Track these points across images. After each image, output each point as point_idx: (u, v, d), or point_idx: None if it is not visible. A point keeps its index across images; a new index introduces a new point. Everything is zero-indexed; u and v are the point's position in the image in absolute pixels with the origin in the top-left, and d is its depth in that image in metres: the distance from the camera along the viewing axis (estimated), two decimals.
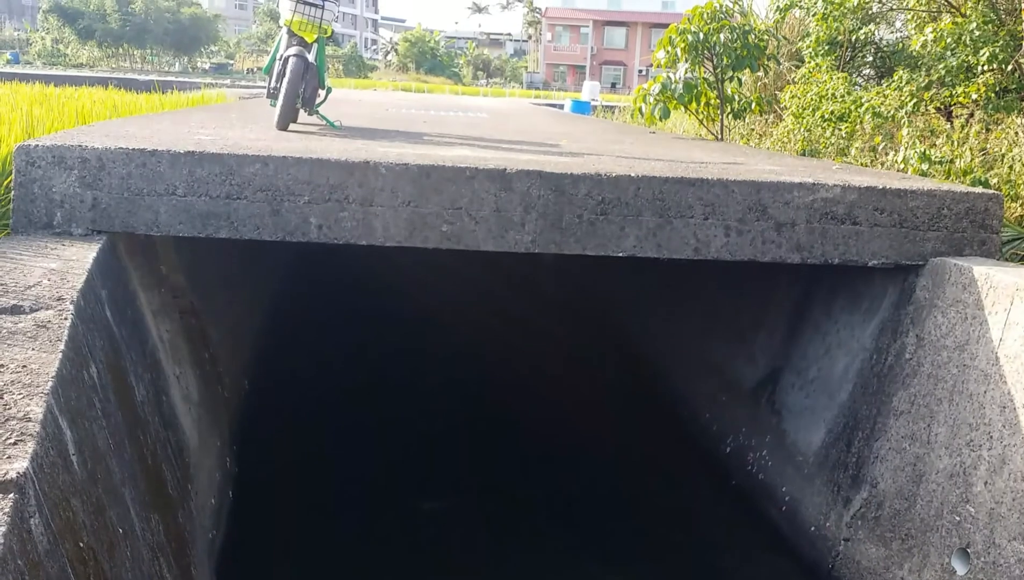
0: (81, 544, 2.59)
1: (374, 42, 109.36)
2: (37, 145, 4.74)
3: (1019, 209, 6.41)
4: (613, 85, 72.28)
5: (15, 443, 2.38)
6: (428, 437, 7.32)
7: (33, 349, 3.02)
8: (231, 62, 67.32)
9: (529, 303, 11.76)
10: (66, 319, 3.34)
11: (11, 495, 2.15)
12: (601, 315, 10.21)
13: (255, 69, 57.16)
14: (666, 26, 10.71)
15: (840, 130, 9.04)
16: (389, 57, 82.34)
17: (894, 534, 5.04)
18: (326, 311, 10.90)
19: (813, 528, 5.60)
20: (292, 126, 7.10)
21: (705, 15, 9.66)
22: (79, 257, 4.23)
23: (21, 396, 2.65)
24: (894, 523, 5.06)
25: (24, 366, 2.87)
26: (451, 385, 8.70)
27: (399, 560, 5.51)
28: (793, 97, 10.20)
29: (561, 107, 24.96)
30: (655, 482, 6.94)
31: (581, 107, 23.05)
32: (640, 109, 10.12)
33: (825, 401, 5.92)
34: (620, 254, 5.31)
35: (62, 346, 3.09)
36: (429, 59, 76.06)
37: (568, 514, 6.28)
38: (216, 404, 6.06)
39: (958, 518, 4.69)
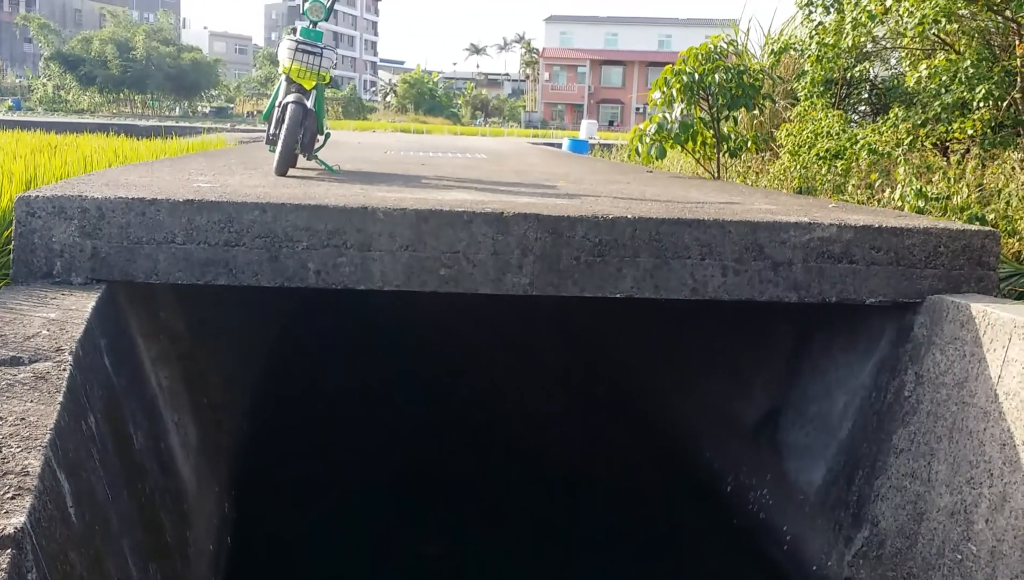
0: None
1: (373, 84, 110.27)
2: (37, 196, 4.78)
3: (1016, 245, 6.43)
4: (611, 123, 72.85)
5: (13, 497, 2.38)
6: (430, 475, 7.30)
7: (32, 401, 3.03)
8: (231, 106, 67.90)
9: (523, 344, 11.78)
10: (64, 370, 3.35)
11: (9, 551, 2.15)
12: (600, 356, 10.21)
13: (255, 112, 57.62)
14: (662, 64, 10.81)
15: (836, 167, 9.09)
16: (388, 98, 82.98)
17: (896, 573, 5.01)
18: (326, 356, 10.90)
19: (815, 567, 5.57)
20: (291, 171, 7.15)
21: (700, 56, 9.75)
22: (78, 306, 4.25)
23: (19, 449, 2.65)
24: (896, 562, 5.04)
25: (23, 418, 2.88)
26: (452, 423, 8.68)
27: None
28: (789, 135, 10.28)
29: (559, 146, 25.09)
30: (656, 520, 6.91)
31: (579, 146, 23.20)
32: (636, 149, 10.19)
33: (825, 439, 5.91)
34: (618, 295, 5.33)
35: (60, 398, 3.09)
36: (428, 100, 76.63)
37: (567, 553, 6.25)
38: (215, 450, 6.05)
39: (960, 556, 4.67)
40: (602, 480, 7.62)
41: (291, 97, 6.97)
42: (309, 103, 7.07)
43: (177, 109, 66.00)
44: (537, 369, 11.05)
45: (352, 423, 8.62)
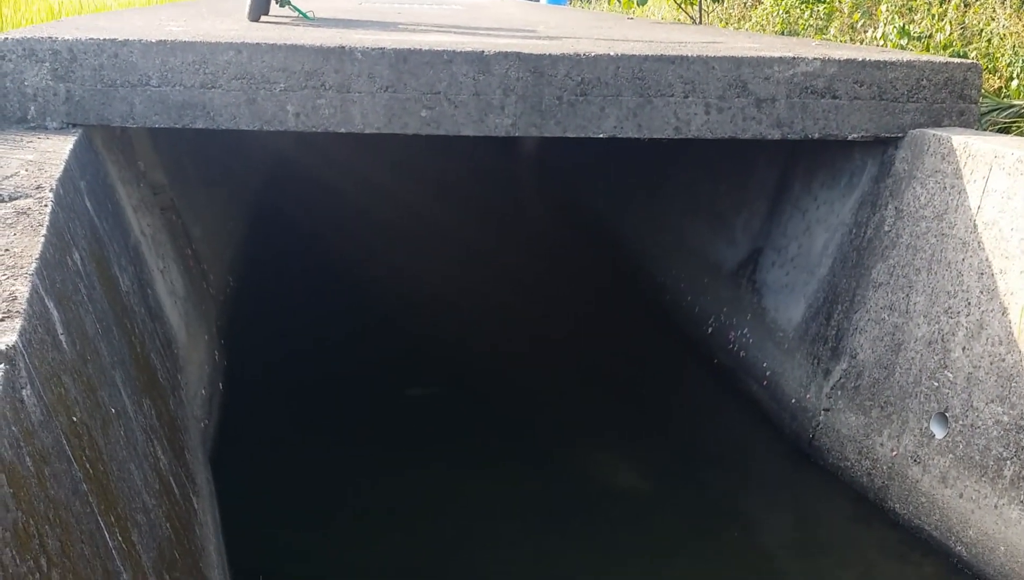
0: (74, 419, 2.61)
1: None
2: (7, 38, 4.68)
3: (997, 82, 6.40)
4: None
5: (2, 319, 2.39)
6: (411, 327, 7.38)
7: (15, 234, 3.03)
8: None
9: (506, 192, 11.76)
10: (46, 206, 3.33)
11: (1, 366, 2.17)
12: (580, 201, 10.22)
13: None
14: None
15: (819, 10, 8.94)
16: None
17: (873, 402, 5.16)
18: (308, 212, 10.84)
19: (794, 400, 5.71)
20: (264, 18, 6.97)
21: None
22: (56, 149, 4.21)
23: (5, 277, 2.66)
24: (873, 391, 5.17)
25: (7, 250, 2.87)
26: (432, 270, 8.73)
27: (385, 443, 5.61)
28: None
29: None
30: (638, 363, 7.05)
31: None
32: None
33: (805, 277, 5.98)
34: (600, 135, 5.30)
35: (44, 231, 3.08)
36: None
37: (550, 397, 6.38)
38: (202, 300, 6.08)
39: (936, 384, 4.80)
40: (582, 324, 7.72)
41: None
42: None
43: None
44: (516, 212, 11.07)
45: (340, 275, 8.65)
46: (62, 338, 2.81)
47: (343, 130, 5.05)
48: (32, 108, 4.72)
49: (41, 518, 2.01)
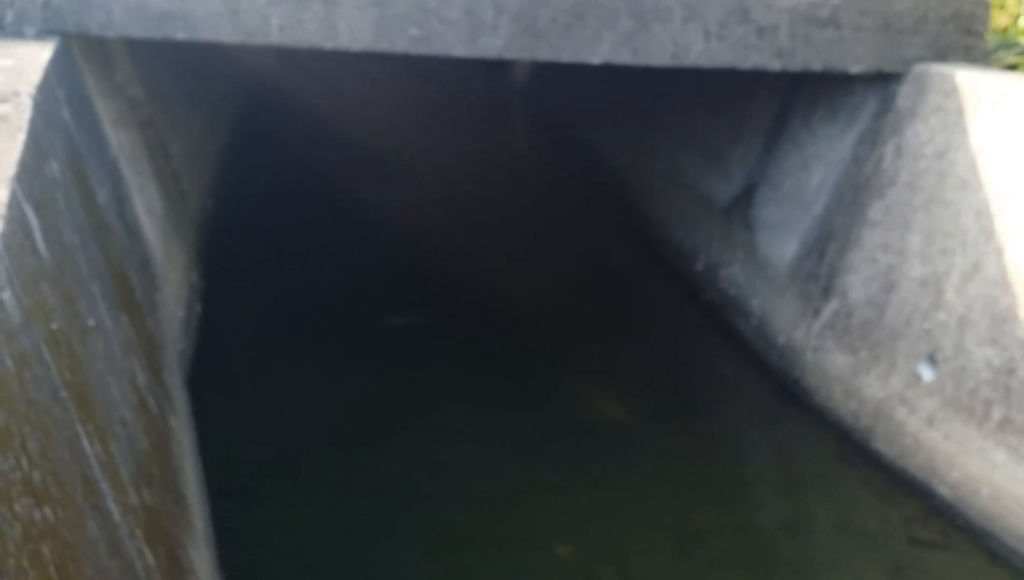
0: (53, 327, 2.57)
1: None
2: None
3: (1005, 19, 6.27)
4: None
5: None
6: (394, 251, 7.28)
7: None
8: None
9: (497, 120, 11.59)
10: (25, 112, 3.23)
11: None
12: (572, 131, 10.07)
13: None
14: None
15: None
16: None
17: (862, 342, 5.09)
18: (290, 132, 10.65)
19: (783, 340, 5.64)
20: None
21: None
22: (33, 56, 4.07)
23: None
24: (863, 332, 5.10)
25: None
26: (414, 203, 8.61)
27: (365, 366, 5.53)
28: None
29: None
30: (626, 300, 6.97)
31: None
32: None
33: (799, 214, 5.88)
34: (595, 61, 5.14)
35: (23, 136, 3.00)
36: None
37: (533, 329, 6.30)
38: (180, 220, 5.94)
39: (928, 325, 4.73)
40: (569, 257, 7.63)
41: None
42: None
43: None
44: (506, 143, 10.92)
45: (322, 198, 8.51)
46: (40, 245, 2.76)
47: (329, 46, 4.88)
48: (9, 14, 4.57)
49: (22, 419, 1.98)
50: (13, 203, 2.58)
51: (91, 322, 3.15)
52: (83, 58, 4.83)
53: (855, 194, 5.40)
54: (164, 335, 4.52)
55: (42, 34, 4.58)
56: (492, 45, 5.00)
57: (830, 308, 5.36)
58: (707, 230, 6.85)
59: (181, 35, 4.69)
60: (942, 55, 5.29)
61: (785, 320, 5.69)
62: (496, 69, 11.49)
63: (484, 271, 7.27)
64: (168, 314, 4.82)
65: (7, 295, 2.25)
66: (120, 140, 5.01)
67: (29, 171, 2.92)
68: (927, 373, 4.70)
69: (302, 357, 5.61)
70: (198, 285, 5.80)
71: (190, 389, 4.74)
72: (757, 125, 6.61)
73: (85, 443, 2.49)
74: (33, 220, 2.78)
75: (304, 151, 10.05)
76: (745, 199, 6.48)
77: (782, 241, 5.95)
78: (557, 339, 6.21)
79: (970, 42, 5.32)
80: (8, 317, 2.22)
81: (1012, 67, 5.46)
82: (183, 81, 7.32)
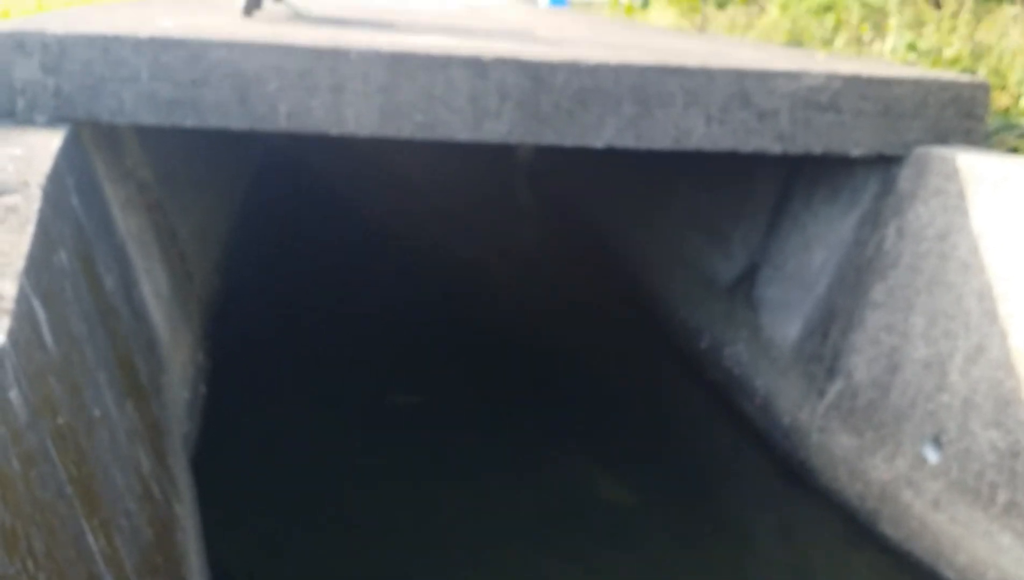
0: (60, 422, 2.59)
1: None
2: None
3: (1006, 99, 6.33)
4: None
5: None
6: (401, 333, 7.28)
7: (3, 231, 2.99)
8: None
9: (502, 195, 11.68)
10: (34, 203, 3.27)
11: None
12: (576, 208, 10.14)
13: None
14: None
15: (826, 21, 8.86)
16: None
17: (867, 424, 5.07)
18: (298, 210, 10.75)
19: (787, 420, 5.63)
20: (258, 15, 6.87)
21: None
22: (44, 144, 4.12)
23: None
24: (868, 413, 5.09)
25: None
26: (422, 282, 8.64)
27: (371, 450, 5.52)
28: None
29: (535, 2, 24.36)
30: (629, 376, 6.96)
31: (557, 1, 22.50)
32: (619, 1, 9.88)
33: (802, 294, 5.90)
34: (598, 145, 5.21)
35: (32, 229, 3.04)
36: None
37: (536, 406, 6.28)
38: (187, 300, 5.97)
39: (932, 407, 4.72)
40: (575, 337, 7.63)
41: None
42: None
43: None
44: (511, 219, 10.99)
45: (330, 276, 8.55)
46: (48, 339, 2.78)
47: (335, 132, 4.95)
48: (20, 102, 4.62)
49: (28, 520, 2.00)
50: (21, 298, 2.61)
51: (97, 412, 3.17)
52: (93, 144, 4.89)
53: (858, 275, 5.43)
54: (169, 419, 4.52)
55: (53, 121, 4.62)
56: (496, 130, 5.07)
57: (835, 389, 5.35)
58: (711, 308, 6.87)
59: (190, 122, 4.77)
60: (943, 138, 5.35)
61: (790, 400, 5.67)
62: (501, 146, 11.62)
63: (487, 347, 7.27)
64: (173, 397, 4.83)
65: (14, 394, 2.27)
66: (128, 224, 5.07)
67: (38, 263, 2.96)
68: (932, 455, 4.68)
69: (306, 435, 5.60)
70: (203, 365, 5.82)
71: (195, 471, 4.73)
72: (759, 205, 6.66)
73: (90, 539, 2.50)
74: (41, 313, 2.81)
75: (311, 225, 10.13)
76: (748, 278, 6.50)
77: (786, 321, 5.96)
78: (558, 416, 6.19)
79: (971, 125, 5.39)
80: (15, 416, 2.24)
81: (1014, 149, 5.51)
82: (192, 160, 7.41)
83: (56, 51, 4.61)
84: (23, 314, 2.57)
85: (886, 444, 4.92)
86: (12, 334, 2.37)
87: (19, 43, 4.59)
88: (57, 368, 2.80)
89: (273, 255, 8.92)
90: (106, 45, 4.64)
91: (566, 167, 10.39)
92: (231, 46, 4.73)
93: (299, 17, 7.20)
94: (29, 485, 2.13)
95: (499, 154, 11.75)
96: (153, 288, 5.17)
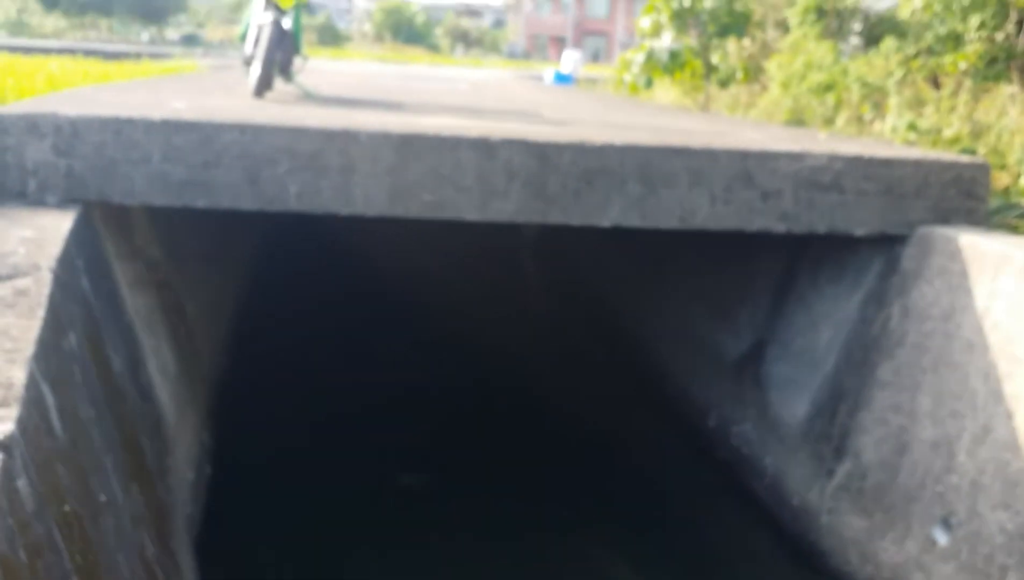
0: (66, 509, 2.60)
1: (348, 12, 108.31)
2: (9, 113, 4.64)
3: (1006, 178, 6.39)
4: (596, 56, 71.88)
5: (0, 406, 2.37)
6: (413, 412, 7.26)
7: (13, 316, 3.02)
8: (201, 32, 66.24)
9: (509, 277, 11.71)
10: (44, 287, 3.30)
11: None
12: (581, 288, 10.16)
13: (227, 41, 56.25)
14: None
15: (827, 100, 8.98)
16: (364, 27, 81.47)
17: (877, 505, 5.03)
18: (308, 285, 10.79)
19: (796, 500, 5.58)
20: (269, 95, 6.98)
21: None
22: (55, 226, 4.16)
23: (4, 361, 2.66)
24: (877, 494, 5.05)
25: (5, 332, 2.87)
26: (431, 357, 8.63)
27: (376, 533, 5.46)
28: (780, 67, 10.13)
29: (541, 78, 24.73)
30: (637, 455, 6.92)
31: (563, 78, 22.84)
32: (623, 79, 10.04)
33: (809, 373, 5.89)
34: (605, 224, 5.26)
35: (42, 313, 3.06)
36: (406, 29, 75.34)
37: (545, 487, 6.23)
38: (194, 379, 5.97)
39: (941, 488, 4.68)
40: (582, 415, 7.60)
41: (268, 16, 6.78)
42: (286, 23, 6.88)
43: (145, 35, 64.30)
44: (517, 298, 11.01)
45: (331, 353, 8.55)
46: (56, 425, 2.80)
47: (345, 212, 5.00)
48: (32, 183, 4.66)
49: None
50: (31, 384, 2.62)
51: (103, 498, 3.16)
52: (103, 224, 4.92)
53: (864, 354, 5.43)
54: (174, 501, 4.50)
55: (64, 202, 4.65)
56: (504, 210, 5.12)
57: (843, 469, 5.31)
58: (718, 386, 6.86)
59: (201, 203, 4.82)
60: (945, 218, 5.39)
61: (798, 481, 5.63)
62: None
63: (492, 425, 7.24)
64: (178, 478, 4.80)
65: (22, 483, 2.28)
66: (136, 303, 5.09)
67: (47, 348, 2.98)
68: (942, 537, 4.63)
69: (310, 517, 5.55)
70: (209, 445, 5.80)
71: (198, 553, 4.68)
72: (764, 283, 6.69)
73: None
74: (50, 399, 2.83)
75: (319, 300, 10.16)
76: (755, 356, 6.50)
77: (793, 400, 5.94)
78: (566, 497, 6.13)
79: (972, 205, 5.43)
80: (23, 505, 2.24)
81: (1014, 229, 5.55)
82: (201, 236, 7.46)
83: (69, 133, 4.68)
84: (32, 401, 2.58)
85: (896, 526, 4.88)
86: (21, 422, 2.38)
87: (32, 125, 4.65)
88: (65, 454, 2.80)
89: (281, 331, 8.92)
90: (119, 127, 4.70)
91: (573, 243, 10.45)
92: (243, 128, 4.80)
93: (309, 97, 7.32)
94: (36, 575, 2.14)
95: (506, 229, 11.83)
96: (160, 367, 5.17)
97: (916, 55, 8.81)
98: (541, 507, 5.97)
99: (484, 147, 5.05)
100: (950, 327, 4.90)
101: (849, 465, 5.28)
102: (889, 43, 9.21)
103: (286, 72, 7.08)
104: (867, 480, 5.14)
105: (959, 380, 4.75)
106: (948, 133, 6.89)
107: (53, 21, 62.09)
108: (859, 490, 5.17)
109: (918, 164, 5.38)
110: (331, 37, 66.33)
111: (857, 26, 11.51)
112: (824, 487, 5.40)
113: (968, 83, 8.03)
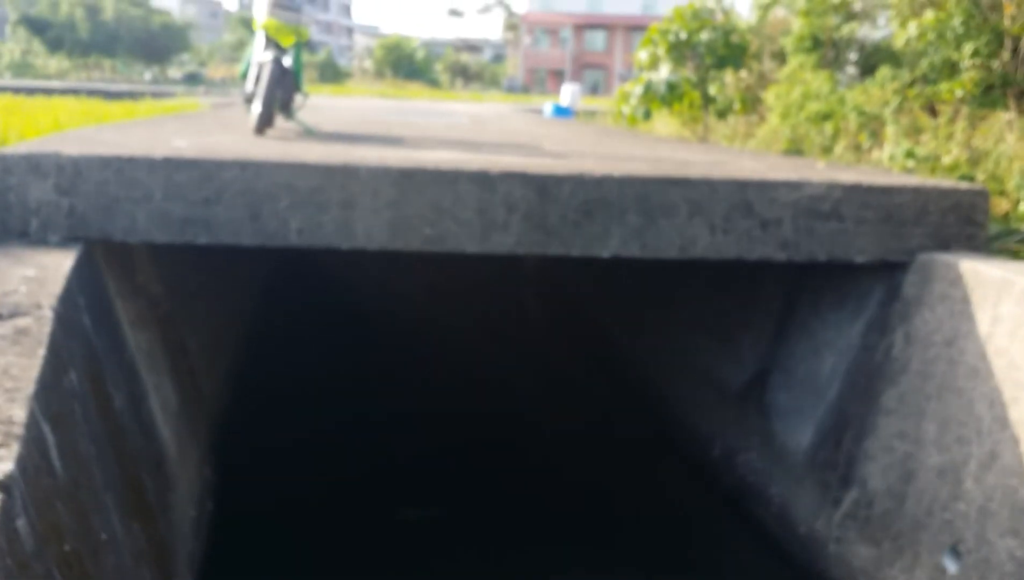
0: (66, 548, 2.59)
1: (349, 49, 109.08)
2: (12, 153, 4.67)
3: (1005, 204, 6.40)
4: (594, 89, 72.27)
5: (0, 445, 2.36)
6: (412, 445, 7.23)
7: (14, 354, 3.03)
8: (203, 71, 66.73)
9: (510, 307, 11.71)
10: (46, 326, 3.31)
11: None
12: (583, 318, 10.16)
13: (228, 79, 56.62)
14: (647, 28, 10.75)
15: (825, 129, 9.02)
16: (365, 64, 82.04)
17: (885, 533, 5.00)
18: (309, 319, 10.80)
19: (803, 529, 5.55)
20: (270, 132, 7.02)
21: (687, 15, 9.65)
22: (56, 264, 4.18)
23: (4, 400, 2.67)
24: (885, 522, 5.02)
25: (5, 371, 2.88)
26: (429, 387, 8.61)
27: (376, 568, 5.43)
28: (778, 97, 10.19)
29: (540, 112, 24.86)
30: (643, 486, 6.88)
31: (562, 111, 22.98)
32: (622, 111, 10.09)
33: (813, 401, 5.87)
34: (605, 255, 5.26)
35: (43, 351, 3.07)
36: (406, 65, 75.86)
37: (546, 518, 6.20)
38: (195, 415, 5.96)
39: (949, 515, 4.65)
40: (586, 445, 7.58)
41: (269, 54, 6.83)
42: (287, 61, 6.93)
43: (147, 75, 64.79)
44: (518, 327, 11.00)
45: (334, 388, 8.53)
46: (56, 463, 2.80)
47: (345, 246, 5.01)
48: (34, 222, 4.69)
49: None
50: (31, 423, 2.62)
51: (104, 536, 3.14)
52: (105, 262, 4.94)
53: (868, 381, 5.42)
54: (175, 538, 4.47)
55: (66, 241, 4.68)
56: (504, 242, 5.14)
57: (850, 497, 5.28)
58: (722, 415, 6.84)
59: (203, 240, 4.83)
60: (945, 244, 5.40)
61: (805, 509, 5.60)
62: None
63: (495, 458, 7.21)
64: (179, 515, 4.78)
65: (21, 523, 2.27)
66: (138, 339, 5.09)
67: (48, 386, 2.98)
68: (951, 565, 4.59)
69: (311, 550, 5.51)
70: (210, 480, 5.78)
71: None
72: (766, 311, 6.69)
73: None
74: (50, 437, 2.82)
75: (321, 333, 10.16)
76: (758, 384, 6.49)
77: (798, 428, 5.92)
78: (570, 527, 6.10)
79: (972, 231, 5.44)
80: (22, 545, 2.24)
81: (1015, 254, 5.55)
82: (202, 272, 7.48)
83: (71, 172, 4.70)
84: (32, 439, 2.58)
85: (904, 554, 4.84)
86: (21, 461, 2.37)
87: (34, 165, 4.68)
88: (65, 493, 2.79)
89: (283, 367, 8.92)
90: (120, 166, 4.73)
91: (573, 274, 10.46)
92: (244, 165, 4.82)
93: (310, 134, 7.35)
94: None
95: (506, 260, 11.85)
96: (162, 403, 5.16)
97: (912, 83, 8.86)
98: (538, 533, 5.94)
99: (484, 180, 5.07)
100: (953, 353, 4.89)
101: (856, 493, 5.25)
102: (885, 72, 9.27)
103: (287, 109, 7.12)
104: (874, 508, 5.11)
105: (964, 406, 4.73)
106: (946, 160, 6.91)
107: (57, 62, 62.66)
108: (866, 518, 5.13)
109: (917, 191, 5.40)
110: (332, 74, 66.78)
111: (853, 56, 11.59)
112: (831, 515, 5.36)
113: (965, 110, 8.07)
